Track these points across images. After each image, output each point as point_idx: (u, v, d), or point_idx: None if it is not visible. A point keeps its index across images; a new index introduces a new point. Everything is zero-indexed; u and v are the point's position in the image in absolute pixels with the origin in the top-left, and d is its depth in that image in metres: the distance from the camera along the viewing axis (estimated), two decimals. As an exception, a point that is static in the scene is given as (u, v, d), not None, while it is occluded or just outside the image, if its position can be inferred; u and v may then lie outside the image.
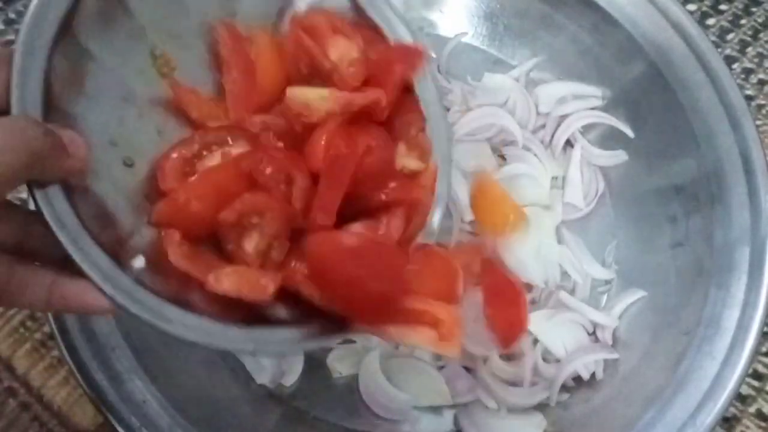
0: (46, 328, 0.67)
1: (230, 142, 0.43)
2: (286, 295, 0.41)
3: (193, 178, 0.41)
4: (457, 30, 0.80)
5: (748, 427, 0.67)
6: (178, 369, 0.60)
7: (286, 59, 0.46)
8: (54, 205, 0.36)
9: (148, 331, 0.59)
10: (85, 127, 0.38)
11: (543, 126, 0.75)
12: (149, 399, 0.54)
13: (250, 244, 0.40)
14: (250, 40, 0.46)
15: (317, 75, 0.45)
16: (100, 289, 0.36)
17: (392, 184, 0.43)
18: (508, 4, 0.78)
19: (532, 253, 0.67)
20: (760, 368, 0.69)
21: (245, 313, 0.40)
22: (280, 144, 0.43)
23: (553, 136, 0.74)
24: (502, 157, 0.73)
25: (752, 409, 0.68)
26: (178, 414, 0.55)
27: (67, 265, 0.36)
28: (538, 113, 0.75)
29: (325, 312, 0.41)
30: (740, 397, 0.68)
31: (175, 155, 0.41)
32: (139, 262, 0.39)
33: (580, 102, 0.75)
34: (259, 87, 0.45)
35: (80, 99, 0.39)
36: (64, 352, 0.54)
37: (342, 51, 0.45)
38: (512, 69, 0.79)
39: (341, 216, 0.41)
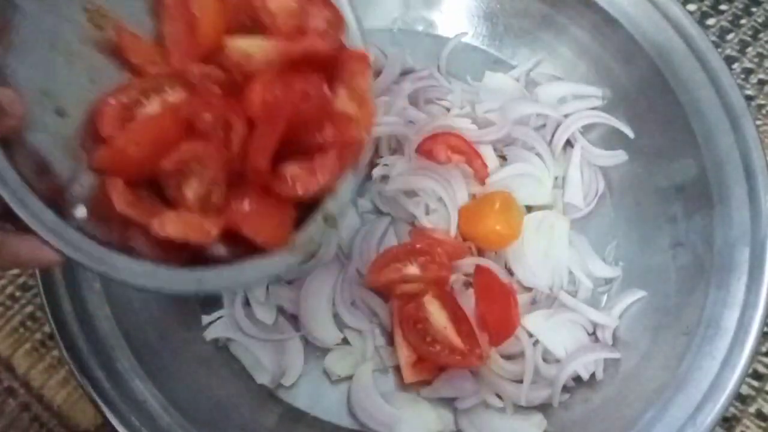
0: (46, 328, 0.67)
1: (168, 89, 0.43)
2: (226, 234, 0.42)
3: (132, 124, 0.42)
4: (457, 30, 0.80)
5: (747, 427, 0.67)
6: (178, 369, 0.60)
7: (228, 11, 0.47)
8: None
9: (148, 331, 0.60)
10: (14, 78, 0.39)
11: (543, 126, 0.75)
12: (149, 399, 0.55)
13: (190, 190, 0.42)
14: None
15: (258, 27, 0.46)
16: (48, 244, 0.38)
17: (327, 127, 0.45)
18: (508, 4, 0.78)
19: (540, 259, 0.67)
20: (760, 368, 0.69)
21: (186, 254, 0.42)
22: (218, 92, 0.44)
23: (553, 136, 0.74)
24: (503, 158, 0.73)
25: (752, 409, 0.68)
26: (178, 414, 0.55)
27: (8, 219, 0.37)
28: (538, 113, 0.75)
29: (264, 249, 0.43)
30: (740, 397, 0.68)
31: (113, 101, 0.42)
32: (80, 211, 0.40)
33: (580, 102, 0.75)
34: (199, 37, 0.45)
35: (7, 50, 0.39)
36: (64, 352, 0.54)
37: (281, 2, 0.46)
38: (512, 69, 0.79)
39: (278, 158, 0.43)
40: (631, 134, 0.72)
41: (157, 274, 0.41)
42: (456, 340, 0.62)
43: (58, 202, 0.39)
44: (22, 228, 0.37)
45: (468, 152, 0.69)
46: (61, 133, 0.41)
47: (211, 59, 0.45)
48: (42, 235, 0.38)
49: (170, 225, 0.40)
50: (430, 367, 0.63)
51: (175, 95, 0.43)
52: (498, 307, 0.63)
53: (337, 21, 0.47)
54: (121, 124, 0.42)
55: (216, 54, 0.45)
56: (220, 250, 0.43)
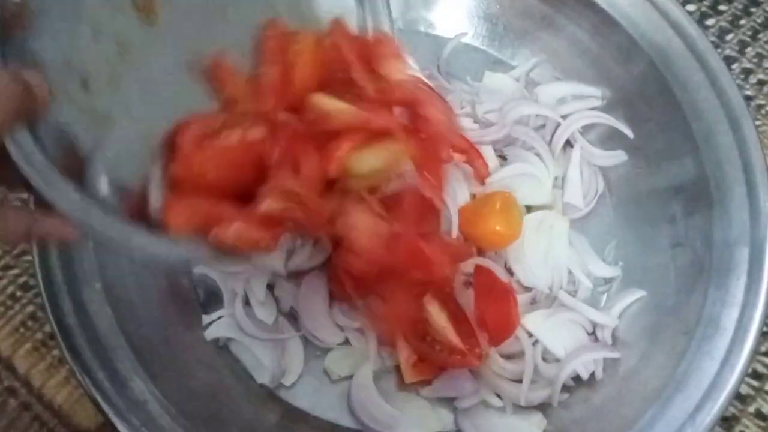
0: (47, 328, 0.67)
1: (250, 127, 0.44)
2: None
3: (209, 149, 0.43)
4: (457, 30, 0.81)
5: (747, 427, 0.67)
6: (179, 369, 0.60)
7: (324, 61, 0.47)
8: (23, 148, 0.37)
9: (148, 331, 0.60)
10: (37, 49, 0.38)
11: (543, 126, 0.75)
12: (150, 399, 0.55)
13: (265, 205, 0.43)
14: (293, 38, 0.48)
15: (350, 85, 0.47)
16: (74, 222, 0.39)
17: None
18: (508, 4, 0.78)
19: (540, 259, 0.67)
20: (760, 368, 0.69)
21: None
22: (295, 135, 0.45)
23: (552, 136, 0.74)
24: (503, 158, 0.73)
25: (751, 409, 0.68)
26: (178, 414, 0.55)
27: (28, 189, 0.38)
28: (537, 114, 0.75)
29: None
30: (739, 397, 0.68)
31: (197, 124, 0.43)
32: (103, 185, 0.40)
33: (580, 102, 0.75)
34: (293, 87, 0.46)
35: (31, 18, 0.39)
36: (65, 351, 0.54)
37: (391, 70, 0.47)
38: (512, 69, 0.79)
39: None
40: (630, 135, 0.72)
41: (175, 249, 0.42)
42: (456, 340, 0.62)
43: (78, 175, 0.39)
44: (42, 200, 0.38)
45: (469, 151, 0.69)
46: (84, 105, 0.40)
47: (296, 107, 0.46)
48: (68, 215, 0.38)
49: (229, 235, 0.41)
50: (430, 367, 0.64)
51: (255, 134, 0.44)
52: (498, 307, 0.63)
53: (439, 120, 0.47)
54: (198, 145, 0.43)
55: (301, 103, 0.46)
56: None
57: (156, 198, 0.42)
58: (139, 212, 0.42)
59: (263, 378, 0.64)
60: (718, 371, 0.56)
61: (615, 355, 0.64)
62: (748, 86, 0.83)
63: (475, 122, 0.73)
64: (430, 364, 0.63)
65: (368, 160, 0.45)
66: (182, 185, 0.42)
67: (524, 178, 0.70)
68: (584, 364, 0.64)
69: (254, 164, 0.43)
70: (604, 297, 0.70)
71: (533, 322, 0.65)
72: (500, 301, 0.64)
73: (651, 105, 0.70)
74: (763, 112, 0.82)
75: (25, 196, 0.40)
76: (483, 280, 0.65)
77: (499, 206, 0.66)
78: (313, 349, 0.66)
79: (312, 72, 0.47)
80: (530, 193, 0.70)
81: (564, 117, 0.74)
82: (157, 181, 0.42)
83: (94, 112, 0.41)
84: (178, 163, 0.42)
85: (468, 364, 0.62)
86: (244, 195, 0.43)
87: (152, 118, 0.43)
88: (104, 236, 0.40)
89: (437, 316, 0.63)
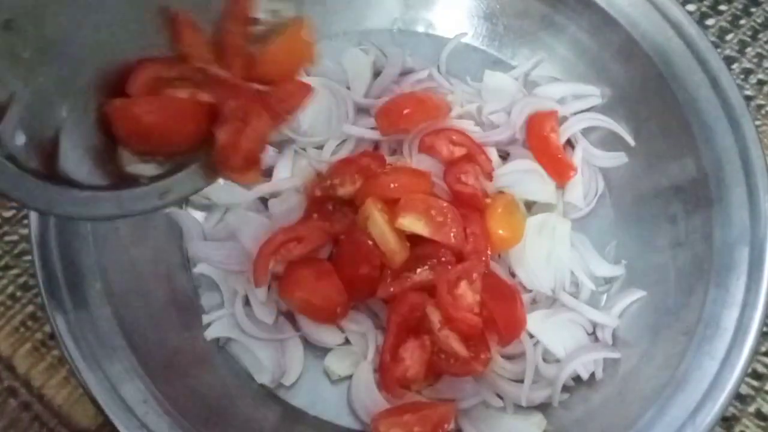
0: (47, 328, 0.67)
1: (204, 87, 0.44)
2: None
3: (156, 95, 0.43)
4: (457, 30, 0.81)
5: (747, 427, 0.67)
6: (178, 369, 0.60)
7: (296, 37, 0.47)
8: None
9: (148, 331, 0.60)
10: None
11: (543, 126, 0.75)
12: (149, 398, 0.55)
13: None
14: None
15: None
16: None
17: None
18: (508, 4, 0.78)
19: (542, 261, 0.67)
20: (760, 368, 0.69)
21: (112, 175, 0.43)
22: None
23: (553, 136, 0.74)
24: (503, 158, 0.73)
25: (751, 409, 0.68)
26: (178, 413, 0.55)
27: None
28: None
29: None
30: (739, 397, 0.68)
31: (151, 67, 0.43)
32: (20, 138, 0.39)
33: (580, 102, 0.75)
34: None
35: None
36: (65, 351, 0.54)
37: None
38: (512, 69, 0.79)
39: None
40: (632, 142, 0.72)
41: (83, 200, 0.41)
42: (461, 349, 0.61)
43: None
44: None
45: (471, 146, 0.69)
46: (5, 48, 0.39)
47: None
48: None
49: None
50: (433, 373, 0.63)
51: (205, 96, 0.44)
52: (506, 308, 0.63)
53: None
54: (147, 89, 0.43)
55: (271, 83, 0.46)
56: (147, 170, 0.44)
57: (69, 147, 0.41)
58: (48, 163, 0.41)
59: (263, 378, 0.64)
60: (718, 371, 0.56)
61: (615, 355, 0.64)
62: (748, 86, 0.83)
63: (476, 124, 0.73)
64: (433, 371, 0.63)
65: (411, 224, 0.62)
66: (119, 126, 0.42)
67: (529, 174, 0.70)
68: (584, 365, 0.64)
69: (198, 120, 0.43)
70: (605, 297, 0.70)
71: (533, 322, 0.65)
72: (507, 301, 0.63)
73: (651, 105, 0.70)
74: (762, 112, 0.82)
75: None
76: (489, 282, 0.65)
77: (501, 210, 0.66)
78: (313, 349, 0.66)
79: (283, 57, 0.46)
80: (535, 189, 0.70)
81: (564, 118, 0.74)
82: (72, 128, 0.41)
83: (13, 55, 0.39)
84: (122, 103, 0.42)
85: (472, 372, 0.61)
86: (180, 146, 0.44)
87: (75, 63, 0.41)
88: (19, 196, 0.39)
89: (441, 325, 0.62)
